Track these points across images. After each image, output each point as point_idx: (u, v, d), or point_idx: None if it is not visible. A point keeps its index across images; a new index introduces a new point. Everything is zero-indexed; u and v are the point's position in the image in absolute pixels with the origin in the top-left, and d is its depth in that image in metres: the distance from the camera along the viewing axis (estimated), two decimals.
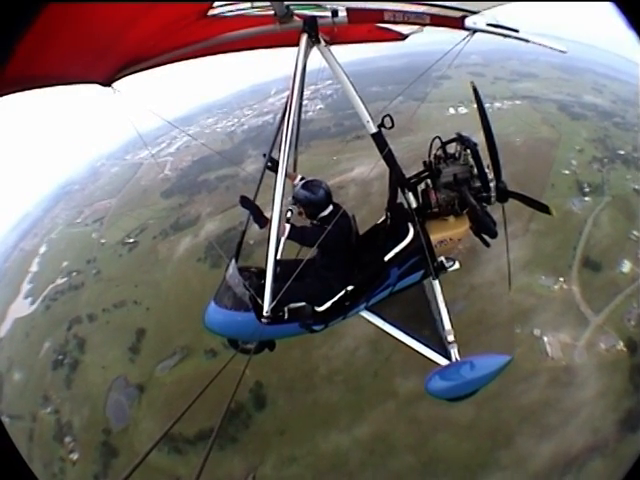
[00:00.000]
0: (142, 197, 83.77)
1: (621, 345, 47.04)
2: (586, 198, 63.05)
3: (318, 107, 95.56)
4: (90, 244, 77.06)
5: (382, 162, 4.17)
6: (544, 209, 4.25)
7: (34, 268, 79.95)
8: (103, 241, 76.92)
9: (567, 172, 67.75)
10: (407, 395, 44.36)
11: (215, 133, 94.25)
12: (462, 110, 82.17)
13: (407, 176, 4.43)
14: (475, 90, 4.25)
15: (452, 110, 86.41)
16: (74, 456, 48.79)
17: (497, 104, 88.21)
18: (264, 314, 4.31)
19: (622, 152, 70.48)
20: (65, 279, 71.78)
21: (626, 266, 53.34)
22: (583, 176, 66.15)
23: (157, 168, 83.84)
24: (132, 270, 66.82)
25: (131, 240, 73.60)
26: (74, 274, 71.96)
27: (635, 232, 56.81)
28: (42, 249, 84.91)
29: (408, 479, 41.29)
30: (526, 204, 4.41)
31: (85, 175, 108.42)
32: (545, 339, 47.78)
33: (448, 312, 4.75)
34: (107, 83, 3.74)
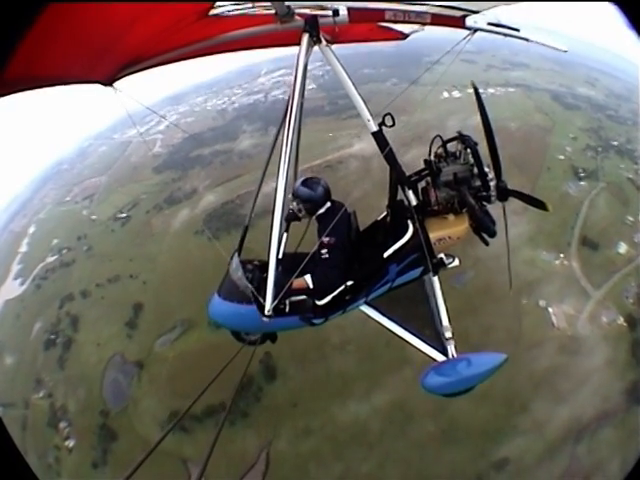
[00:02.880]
0: (133, 173, 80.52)
1: (621, 320, 47.86)
2: (581, 182, 63.21)
3: (310, 87, 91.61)
4: (80, 221, 73.42)
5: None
6: (541, 206, 4.11)
7: (23, 249, 76.35)
8: (94, 217, 73.19)
9: (562, 157, 67.75)
10: (423, 362, 40.87)
11: (205, 111, 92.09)
12: (455, 94, 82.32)
13: (407, 174, 4.28)
14: (476, 90, 4.21)
15: (446, 94, 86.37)
16: (70, 443, 45.53)
17: (490, 90, 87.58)
18: (266, 313, 4.16)
19: (615, 143, 70.79)
20: (55, 257, 68.31)
21: (622, 248, 54.05)
22: (578, 162, 66.08)
23: (147, 145, 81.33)
24: (126, 245, 63.48)
25: (123, 215, 70.26)
26: (64, 251, 68.37)
27: (630, 217, 56.79)
28: (31, 229, 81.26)
29: (429, 447, 39.65)
30: (525, 202, 4.23)
31: (73, 155, 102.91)
32: (550, 310, 48.19)
33: (446, 308, 4.56)
34: (108, 83, 3.52)
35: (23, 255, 74.12)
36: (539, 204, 4.13)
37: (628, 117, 76.78)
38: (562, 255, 53.15)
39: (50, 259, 67.94)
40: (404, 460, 38.49)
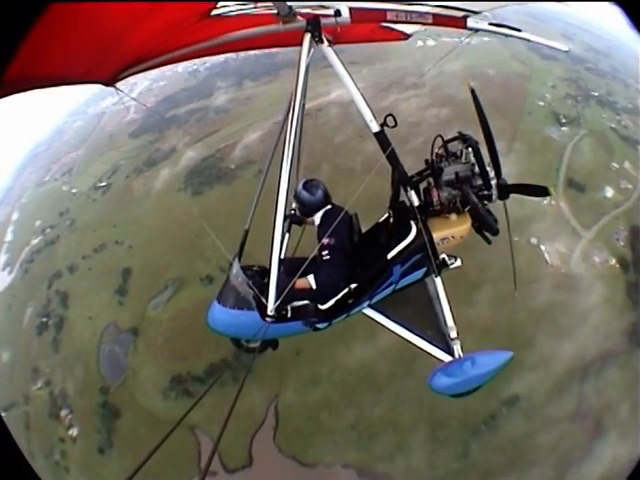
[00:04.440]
0: (109, 142, 76.87)
1: (613, 262, 47.69)
2: (563, 128, 61.57)
3: None
4: (61, 197, 69.61)
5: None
6: (543, 192, 4.17)
7: (9, 237, 72.19)
8: (74, 191, 69.22)
9: (542, 104, 65.97)
10: None
11: (177, 74, 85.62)
12: (430, 42, 78.00)
13: (409, 174, 4.19)
14: (473, 93, 4.12)
15: (420, 42, 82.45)
16: (74, 432, 43.31)
17: (466, 39, 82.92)
18: (268, 313, 4.15)
19: (596, 94, 69.06)
20: (40, 237, 64.84)
21: (609, 192, 53.32)
22: (558, 109, 64.29)
23: (122, 112, 77.16)
24: (108, 212, 60.20)
25: (103, 184, 66.90)
26: (48, 230, 64.90)
27: (615, 164, 55.90)
28: (14, 216, 76.90)
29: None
30: (526, 194, 4.36)
31: (49, 136, 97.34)
32: (542, 248, 47.69)
33: (450, 309, 4.55)
34: (110, 83, 3.53)
35: (9, 244, 70.35)
36: (541, 191, 4.15)
37: (608, 71, 75.08)
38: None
39: (35, 241, 64.65)
40: (415, 401, 37.28)
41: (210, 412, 29.29)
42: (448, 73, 63.01)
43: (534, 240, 47.39)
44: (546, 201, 50.72)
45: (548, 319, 41.78)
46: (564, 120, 62.39)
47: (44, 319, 51.64)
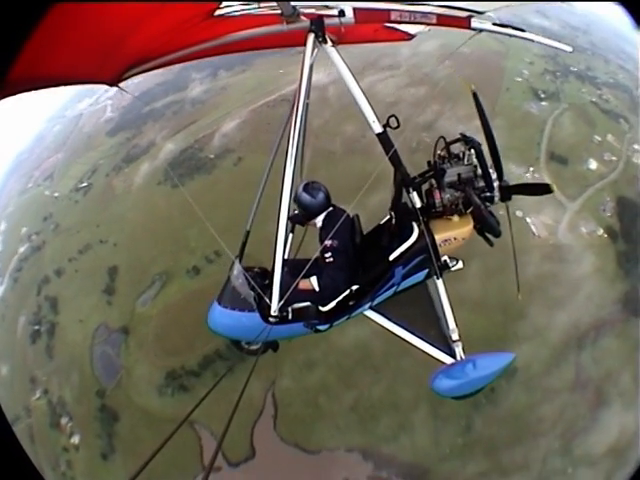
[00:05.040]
0: (87, 142, 76.15)
1: (601, 232, 47.50)
2: (543, 103, 60.81)
3: None
4: (44, 202, 68.70)
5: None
6: (546, 189, 4.02)
7: None
8: (56, 194, 68.19)
9: (520, 80, 64.88)
10: None
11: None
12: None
13: (412, 176, 4.13)
14: (475, 96, 4.07)
15: None
16: (75, 440, 42.70)
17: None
18: (271, 314, 4.05)
19: (574, 69, 68.05)
20: (26, 245, 63.80)
21: (593, 164, 52.81)
22: (537, 84, 63.45)
23: (99, 113, 79.12)
24: (91, 212, 59.31)
25: (84, 184, 65.95)
26: (34, 236, 63.98)
27: (597, 137, 55.37)
28: (2, 227, 75.79)
29: (435, 363, 36.54)
30: (529, 194, 4.29)
31: (31, 143, 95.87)
32: (528, 220, 47.20)
33: (452, 311, 4.40)
34: (114, 83, 3.54)
35: None
36: (543, 189, 4.09)
37: (587, 47, 74.02)
38: (532, 168, 51.71)
39: (22, 249, 63.55)
40: (414, 379, 36.46)
41: (208, 406, 28.24)
42: (423, 53, 62.25)
43: (519, 213, 46.40)
44: (528, 173, 50.55)
45: (539, 290, 41.13)
46: (543, 95, 61.70)
47: (36, 327, 50.68)
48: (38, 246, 60.86)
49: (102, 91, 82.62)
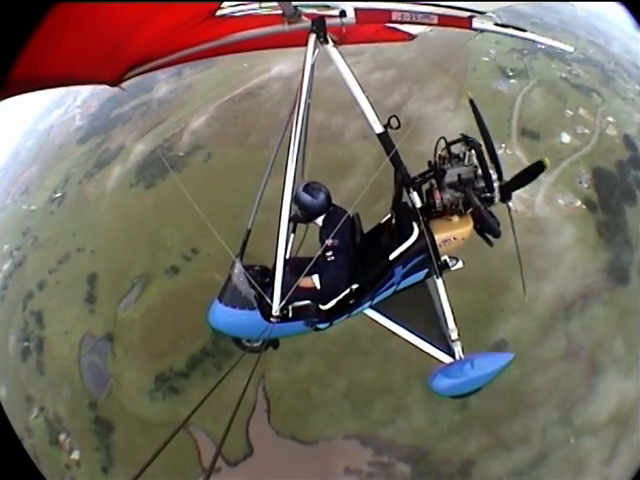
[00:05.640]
0: (59, 153, 74.59)
1: (579, 203, 47.30)
2: (511, 80, 60.05)
3: None
4: (22, 217, 67.05)
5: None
6: (541, 167, 3.92)
7: None
8: (33, 208, 66.39)
9: (487, 59, 63.63)
10: None
11: None
12: None
13: (412, 176, 4.16)
14: (472, 103, 4.30)
15: None
16: (75, 455, 41.54)
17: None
18: (273, 313, 4.08)
19: (542, 46, 66.72)
20: (9, 262, 62.09)
21: (565, 138, 52.46)
22: (504, 63, 62.54)
23: (68, 122, 77.40)
24: (66, 222, 57.95)
25: (58, 195, 64.47)
26: (15, 252, 62.38)
27: (569, 111, 55.13)
28: None
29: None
30: (529, 180, 4.13)
31: (7, 161, 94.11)
32: None
33: (452, 310, 4.45)
34: (115, 83, 3.55)
35: None
36: (539, 168, 3.98)
37: (555, 24, 73.25)
38: (504, 145, 50.80)
39: (5, 266, 61.70)
40: (404, 360, 35.88)
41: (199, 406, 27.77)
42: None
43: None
44: (500, 150, 49.37)
45: (522, 262, 40.59)
46: (511, 73, 60.94)
47: (25, 343, 49.34)
48: (19, 262, 59.45)
49: (71, 101, 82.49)
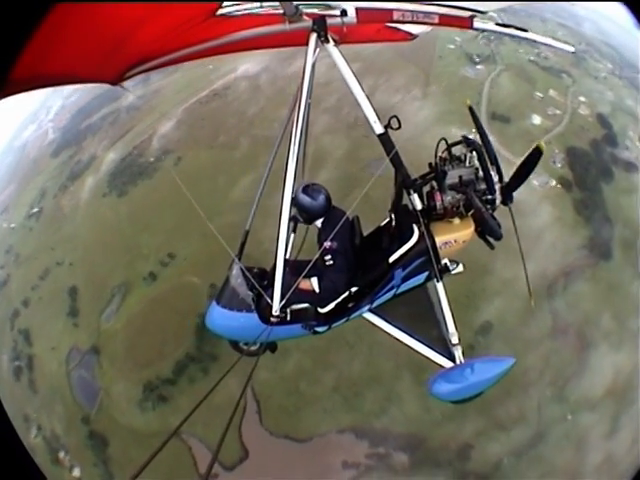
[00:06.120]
0: (34, 168, 73.46)
1: (554, 183, 46.83)
2: (478, 66, 59.45)
3: None
4: (4, 235, 65.80)
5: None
6: (539, 153, 3.88)
7: None
8: (12, 225, 65.29)
9: (452, 47, 62.95)
10: None
11: (87, 86, 79.61)
12: None
13: (412, 177, 4.10)
14: (471, 109, 4.46)
15: None
16: (76, 472, 40.85)
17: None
18: (273, 313, 4.00)
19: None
20: None
21: (536, 119, 52.10)
22: (470, 49, 61.69)
23: (42, 137, 76.65)
24: (45, 236, 57.13)
25: (35, 210, 63.61)
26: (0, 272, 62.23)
27: (539, 93, 54.96)
28: None
29: (410, 329, 36.56)
30: (530, 171, 4.07)
31: None
32: None
33: (452, 314, 4.38)
34: (116, 82, 3.49)
35: None
36: (536, 156, 3.92)
37: (520, 9, 69.38)
38: (474, 130, 50.35)
39: None
40: (390, 349, 35.24)
41: (187, 412, 27.22)
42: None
43: None
44: (471, 135, 49.49)
45: (501, 244, 40.56)
46: (478, 59, 60.43)
47: (17, 362, 48.48)
48: (4, 280, 58.07)
49: (44, 115, 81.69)
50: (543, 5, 74.28)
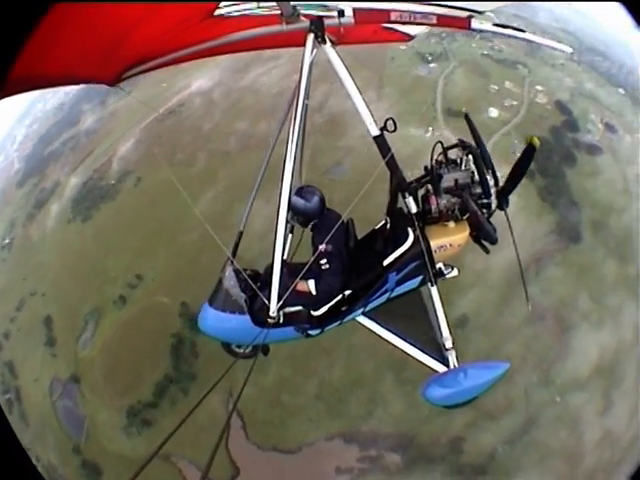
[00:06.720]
0: (2, 199, 71.50)
1: None
2: (431, 65, 59.12)
3: None
4: None
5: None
6: (533, 148, 3.77)
7: None
8: None
9: (404, 47, 60.75)
10: None
11: (46, 112, 79.96)
12: None
13: (408, 180, 4.05)
14: (467, 117, 4.32)
15: None
16: None
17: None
18: (270, 314, 3.92)
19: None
20: None
21: (494, 112, 51.70)
22: (422, 48, 61.10)
23: (8, 167, 74.69)
24: (17, 267, 55.61)
25: (6, 241, 62.19)
26: None
27: (494, 86, 54.50)
28: None
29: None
30: (525, 170, 4.01)
31: None
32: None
33: (446, 319, 4.29)
34: (113, 83, 3.50)
35: None
36: (531, 151, 3.83)
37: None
38: (431, 128, 50.41)
39: None
40: (368, 352, 35.30)
41: (173, 435, 26.50)
42: None
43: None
44: (429, 133, 49.39)
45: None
46: (430, 58, 60.16)
47: (7, 396, 47.04)
48: None
49: (9, 144, 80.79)
50: None
